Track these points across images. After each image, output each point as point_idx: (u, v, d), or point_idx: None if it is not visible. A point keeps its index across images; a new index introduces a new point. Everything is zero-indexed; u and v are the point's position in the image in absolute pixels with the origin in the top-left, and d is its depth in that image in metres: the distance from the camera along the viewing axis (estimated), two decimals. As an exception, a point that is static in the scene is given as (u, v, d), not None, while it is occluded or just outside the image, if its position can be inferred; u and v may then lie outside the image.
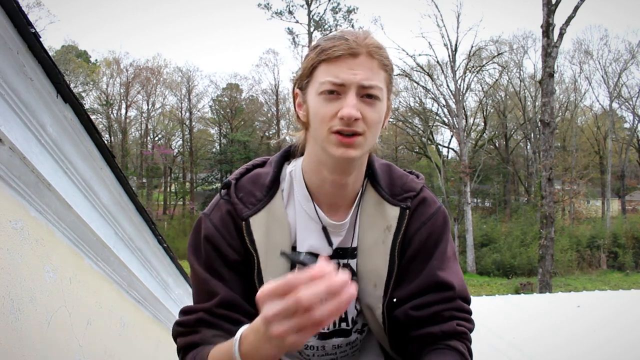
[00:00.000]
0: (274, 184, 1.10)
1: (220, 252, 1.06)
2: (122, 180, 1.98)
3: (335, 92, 0.97)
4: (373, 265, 1.09)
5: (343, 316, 1.14)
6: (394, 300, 1.08)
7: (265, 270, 1.06)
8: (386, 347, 1.16)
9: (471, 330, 1.08)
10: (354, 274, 1.11)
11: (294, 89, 1.07)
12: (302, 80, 1.03)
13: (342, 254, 1.12)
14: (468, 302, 1.11)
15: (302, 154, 1.14)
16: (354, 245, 1.11)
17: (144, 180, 35.32)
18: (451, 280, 1.07)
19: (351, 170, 1.05)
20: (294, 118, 1.09)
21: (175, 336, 1.06)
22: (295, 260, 0.65)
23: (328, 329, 1.14)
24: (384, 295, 1.08)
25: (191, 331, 1.02)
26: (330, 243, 1.10)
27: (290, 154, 1.18)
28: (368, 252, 1.10)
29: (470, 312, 1.10)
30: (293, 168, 1.14)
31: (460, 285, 1.09)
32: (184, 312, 1.07)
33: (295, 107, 1.08)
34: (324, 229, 1.10)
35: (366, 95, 0.97)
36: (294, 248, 1.10)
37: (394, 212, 1.09)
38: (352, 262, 1.12)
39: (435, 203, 1.13)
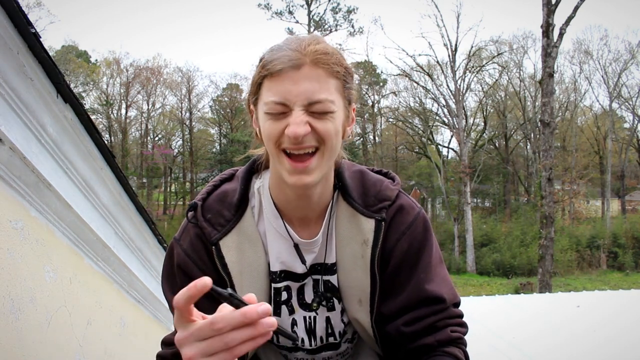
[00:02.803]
0: (243, 201, 1.05)
1: (193, 280, 1.04)
2: (122, 180, 1.98)
3: (282, 111, 0.89)
4: (355, 280, 1.05)
5: (330, 331, 1.11)
6: (382, 314, 1.05)
7: (240, 291, 1.02)
8: (380, 353, 1.15)
9: (465, 333, 1.06)
10: (336, 291, 1.09)
11: (249, 105, 0.99)
12: (252, 97, 0.96)
13: (320, 270, 1.08)
14: (458, 305, 1.08)
15: (267, 167, 1.09)
16: (331, 261, 1.07)
17: (144, 180, 35.32)
18: (440, 292, 1.03)
19: (310, 189, 0.99)
20: (254, 135, 1.03)
21: None
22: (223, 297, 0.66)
23: (315, 345, 1.12)
24: (371, 311, 1.05)
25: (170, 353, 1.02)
26: (303, 261, 1.06)
27: (255, 168, 1.12)
28: (348, 267, 1.06)
29: (462, 316, 1.07)
30: (261, 184, 1.09)
31: (450, 293, 1.05)
32: (164, 343, 1.07)
33: (253, 124, 1.01)
34: (296, 247, 1.06)
35: (315, 110, 0.89)
36: (268, 266, 1.07)
37: (369, 224, 1.02)
38: (332, 278, 1.08)
39: (413, 209, 1.06)
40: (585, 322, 5.37)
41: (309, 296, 1.09)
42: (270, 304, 1.08)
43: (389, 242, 1.04)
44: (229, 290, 0.68)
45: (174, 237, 1.07)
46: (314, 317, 1.10)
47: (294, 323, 1.11)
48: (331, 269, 1.08)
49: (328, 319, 1.11)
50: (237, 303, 0.67)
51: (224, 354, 0.67)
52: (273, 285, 1.07)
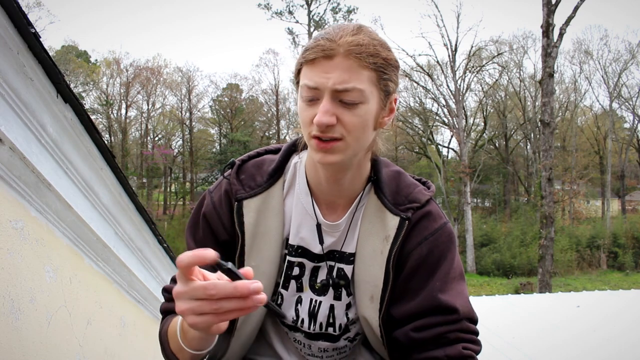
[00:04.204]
0: (277, 172, 1.10)
1: (213, 231, 1.09)
2: (122, 180, 1.98)
3: (314, 96, 0.93)
4: (370, 275, 1.05)
5: (331, 320, 1.12)
6: (392, 317, 1.05)
7: (249, 254, 1.07)
8: (386, 358, 1.13)
9: (478, 352, 1.03)
10: (347, 281, 1.09)
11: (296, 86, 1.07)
12: (295, 80, 1.01)
13: (338, 258, 1.09)
14: (475, 322, 1.05)
15: (306, 147, 1.12)
16: (350, 250, 1.09)
17: (144, 180, 35.30)
18: (454, 302, 1.01)
19: (340, 172, 1.03)
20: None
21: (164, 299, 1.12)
22: (223, 269, 0.74)
23: (314, 330, 1.13)
24: (380, 309, 1.05)
25: (171, 298, 1.05)
26: (321, 241, 1.08)
27: (297, 145, 1.15)
28: (366, 261, 1.06)
29: (477, 333, 1.04)
30: (298, 160, 1.12)
31: (465, 307, 1.03)
32: (172, 279, 1.12)
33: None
34: (318, 226, 1.08)
35: (343, 99, 0.91)
36: (287, 239, 1.10)
37: (394, 221, 1.04)
38: (347, 268, 1.09)
39: (441, 218, 1.07)
40: (585, 322, 5.38)
41: (321, 280, 1.11)
42: (278, 274, 1.11)
43: (409, 244, 1.04)
44: (230, 264, 0.74)
45: (208, 189, 1.13)
46: (319, 302, 1.11)
47: (299, 301, 1.12)
48: (348, 258, 1.09)
49: (332, 307, 1.11)
50: (234, 277, 0.74)
51: (212, 317, 0.74)
52: (288, 257, 1.10)
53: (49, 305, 1.52)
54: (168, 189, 38.45)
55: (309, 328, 1.13)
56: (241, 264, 1.07)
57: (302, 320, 1.13)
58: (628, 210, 34.74)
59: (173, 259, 2.69)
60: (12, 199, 1.36)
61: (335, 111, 0.92)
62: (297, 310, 1.13)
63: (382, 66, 0.94)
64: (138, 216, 2.22)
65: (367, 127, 0.96)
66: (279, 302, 1.13)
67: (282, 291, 1.12)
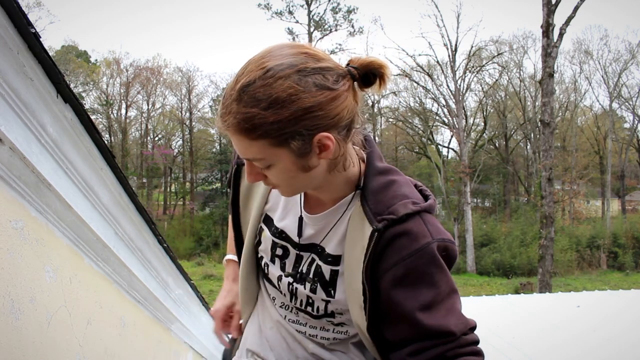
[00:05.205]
0: None
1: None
2: (122, 180, 1.98)
3: None
4: (355, 284, 1.01)
5: (310, 301, 1.11)
6: (386, 339, 1.02)
7: (243, 212, 1.23)
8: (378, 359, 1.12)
9: None
10: (324, 280, 1.08)
11: None
12: None
13: (319, 252, 1.09)
14: (473, 330, 0.99)
15: None
16: (328, 249, 1.08)
17: (144, 180, 35.30)
18: (447, 325, 0.94)
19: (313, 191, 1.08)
20: None
21: None
22: None
23: (295, 305, 1.16)
24: (366, 319, 1.01)
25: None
26: (299, 234, 1.11)
27: None
28: (352, 269, 1.02)
29: (476, 342, 0.98)
30: None
31: (460, 323, 0.96)
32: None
33: None
34: (300, 219, 1.11)
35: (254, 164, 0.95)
36: (267, 217, 1.18)
37: (368, 231, 0.96)
38: (325, 268, 1.08)
39: (424, 238, 0.94)
40: (585, 322, 5.39)
41: (303, 268, 1.14)
42: (253, 247, 1.22)
43: (384, 263, 0.96)
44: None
45: None
46: (296, 288, 1.13)
47: (280, 278, 1.17)
48: (326, 258, 1.08)
49: (309, 298, 1.12)
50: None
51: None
52: (273, 238, 1.16)
53: (49, 305, 1.52)
54: (168, 189, 38.44)
55: (291, 301, 1.17)
56: (236, 217, 1.25)
57: (284, 295, 1.17)
58: (628, 210, 34.75)
59: (173, 259, 2.69)
60: (12, 199, 1.36)
61: (257, 170, 0.96)
62: (278, 284, 1.17)
63: (274, 130, 0.85)
64: (138, 216, 2.22)
65: (293, 177, 0.94)
66: (266, 271, 1.20)
67: (270, 264, 1.18)
